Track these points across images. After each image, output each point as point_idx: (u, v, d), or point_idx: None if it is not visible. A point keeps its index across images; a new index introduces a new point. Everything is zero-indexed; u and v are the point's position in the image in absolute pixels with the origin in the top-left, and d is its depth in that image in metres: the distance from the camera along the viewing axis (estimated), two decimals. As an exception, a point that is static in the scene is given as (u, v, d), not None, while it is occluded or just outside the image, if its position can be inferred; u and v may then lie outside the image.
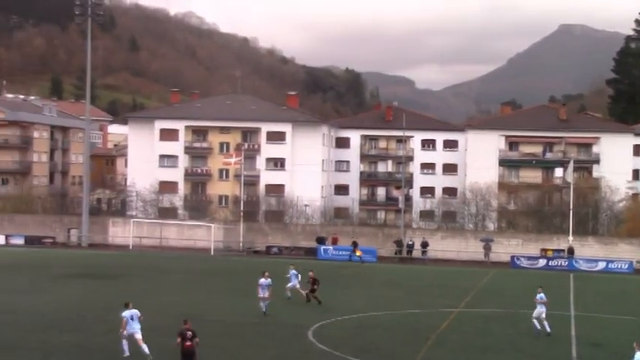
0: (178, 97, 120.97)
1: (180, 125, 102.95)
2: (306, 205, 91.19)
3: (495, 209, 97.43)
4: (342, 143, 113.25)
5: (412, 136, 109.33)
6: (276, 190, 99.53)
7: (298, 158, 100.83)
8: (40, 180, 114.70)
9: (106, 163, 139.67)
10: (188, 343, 28.00)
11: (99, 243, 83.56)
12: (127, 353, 30.98)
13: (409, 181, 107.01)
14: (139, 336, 30.88)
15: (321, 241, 79.10)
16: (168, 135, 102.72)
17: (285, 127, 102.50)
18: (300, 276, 47.48)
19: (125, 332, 31.02)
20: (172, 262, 68.99)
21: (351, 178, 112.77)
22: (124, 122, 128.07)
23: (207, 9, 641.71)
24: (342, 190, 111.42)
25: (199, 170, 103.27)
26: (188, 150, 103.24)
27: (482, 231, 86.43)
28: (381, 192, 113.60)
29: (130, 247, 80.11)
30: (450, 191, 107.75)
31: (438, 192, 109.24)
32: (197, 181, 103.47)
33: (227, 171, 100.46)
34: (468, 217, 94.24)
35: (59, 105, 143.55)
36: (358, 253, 75.75)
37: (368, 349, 34.24)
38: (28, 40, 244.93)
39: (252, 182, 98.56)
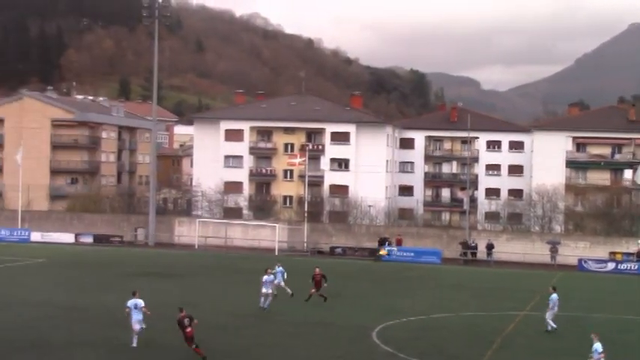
0: (243, 98, 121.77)
1: (245, 126, 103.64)
2: (370, 206, 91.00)
3: (562, 211, 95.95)
4: (407, 144, 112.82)
5: (477, 137, 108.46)
6: (341, 190, 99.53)
7: (362, 159, 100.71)
8: (108, 180, 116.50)
9: (172, 164, 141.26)
10: (188, 329, 30.55)
11: (165, 242, 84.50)
12: (134, 344, 32.12)
13: (474, 183, 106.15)
14: (136, 326, 32.21)
15: (383, 242, 78.83)
16: (233, 135, 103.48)
17: (350, 128, 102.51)
18: (285, 274, 46.79)
19: (133, 321, 32.32)
20: (237, 262, 69.47)
21: (416, 179, 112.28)
22: (190, 123, 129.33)
23: (272, 10, 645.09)
24: (406, 191, 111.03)
25: (264, 170, 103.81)
26: (253, 150, 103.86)
27: (549, 233, 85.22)
28: (445, 193, 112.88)
29: (196, 247, 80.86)
30: (515, 193, 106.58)
31: (504, 193, 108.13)
32: (262, 181, 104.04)
33: (291, 171, 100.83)
34: (534, 219, 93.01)
35: (127, 106, 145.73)
36: (382, 252, 76.21)
37: (432, 351, 34.04)
38: (97, 41, 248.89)
39: (316, 183, 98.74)
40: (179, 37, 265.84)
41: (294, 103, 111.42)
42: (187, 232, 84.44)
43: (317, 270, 46.07)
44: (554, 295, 39.08)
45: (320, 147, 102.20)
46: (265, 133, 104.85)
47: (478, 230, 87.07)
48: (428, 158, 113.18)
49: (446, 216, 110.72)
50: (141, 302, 32.84)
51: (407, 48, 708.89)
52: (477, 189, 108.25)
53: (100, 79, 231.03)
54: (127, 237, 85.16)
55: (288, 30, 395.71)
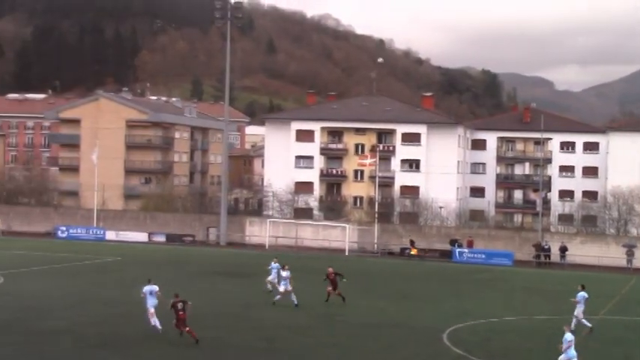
0: (314, 99, 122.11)
1: (316, 126, 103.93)
2: (440, 207, 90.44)
3: (639, 214, 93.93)
4: (478, 145, 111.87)
5: (551, 138, 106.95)
6: (411, 191, 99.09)
7: (433, 160, 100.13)
8: (180, 179, 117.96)
9: (244, 164, 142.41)
10: (181, 313, 32.61)
11: (236, 242, 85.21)
12: (159, 327, 33.91)
13: (547, 184, 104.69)
14: (152, 310, 34.28)
15: (454, 243, 78.29)
16: (304, 136, 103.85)
17: (421, 129, 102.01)
18: (281, 270, 45.96)
19: (148, 307, 34.48)
20: (308, 262, 69.60)
21: (487, 181, 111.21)
22: (261, 123, 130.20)
23: (344, 11, 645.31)
24: (477, 192, 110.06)
25: (334, 171, 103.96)
26: (324, 151, 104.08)
27: (625, 236, 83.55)
28: (517, 195, 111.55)
29: (266, 247, 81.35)
30: (590, 195, 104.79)
31: (578, 195, 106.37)
32: (332, 181, 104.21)
33: (362, 172, 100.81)
34: (610, 221, 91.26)
35: (199, 106, 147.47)
36: (413, 252, 76.85)
37: (503, 354, 33.68)
38: (170, 43, 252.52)
39: (387, 183, 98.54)
40: (251, 39, 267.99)
41: (365, 103, 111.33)
42: (258, 232, 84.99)
43: (330, 270, 45.35)
44: (582, 293, 39.22)
45: (391, 148, 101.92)
46: (336, 134, 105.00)
47: (551, 232, 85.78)
48: (500, 159, 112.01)
49: (518, 218, 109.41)
50: (156, 288, 35.13)
51: (479, 48, 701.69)
52: (550, 191, 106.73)
53: (173, 80, 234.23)
54: (199, 236, 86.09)
55: (360, 30, 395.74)
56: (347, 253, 78.48)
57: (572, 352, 27.48)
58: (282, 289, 43.39)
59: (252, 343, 33.41)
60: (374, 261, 74.23)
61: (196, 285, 52.36)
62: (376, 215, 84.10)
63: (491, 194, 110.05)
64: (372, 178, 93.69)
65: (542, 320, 43.06)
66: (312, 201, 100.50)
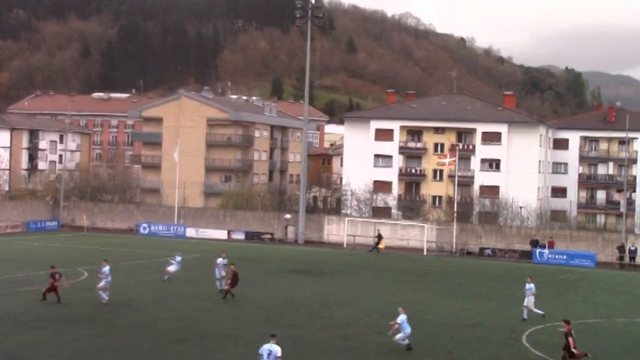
0: (394, 98, 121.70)
1: (395, 125, 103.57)
2: (521, 207, 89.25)
3: None
4: (560, 144, 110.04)
5: (636, 138, 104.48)
6: (491, 191, 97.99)
7: (514, 159, 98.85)
8: (259, 178, 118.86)
9: (323, 162, 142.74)
10: (56, 283, 39.57)
11: (314, 240, 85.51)
12: (105, 299, 40.36)
13: (632, 185, 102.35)
14: (102, 284, 40.67)
15: (535, 244, 77.19)
16: (383, 135, 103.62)
17: (501, 128, 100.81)
18: (221, 269, 47.22)
19: (101, 284, 40.62)
20: (386, 261, 69.52)
21: (569, 181, 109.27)
22: (341, 122, 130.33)
23: (424, 10, 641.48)
24: (559, 192, 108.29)
25: (413, 170, 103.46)
26: (402, 150, 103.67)
27: None
28: (600, 195, 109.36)
29: (344, 245, 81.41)
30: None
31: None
32: (411, 181, 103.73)
33: (441, 171, 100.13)
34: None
35: (279, 105, 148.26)
36: (382, 246, 76.76)
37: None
38: (251, 43, 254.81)
39: (466, 183, 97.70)
40: (331, 38, 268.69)
41: (445, 102, 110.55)
42: (336, 231, 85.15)
43: (232, 267, 44.89)
44: (530, 285, 41.04)
45: (470, 147, 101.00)
46: (415, 133, 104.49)
47: (635, 234, 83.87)
48: (583, 159, 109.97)
49: (601, 219, 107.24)
50: (107, 269, 40.84)
51: (562, 47, 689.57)
52: (634, 191, 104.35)
53: (254, 79, 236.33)
54: (278, 234, 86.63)
55: (440, 29, 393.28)
56: (425, 253, 78.07)
57: None
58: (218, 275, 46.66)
59: (329, 341, 33.48)
60: (452, 261, 73.66)
61: (275, 282, 52.74)
62: (455, 215, 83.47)
63: (574, 194, 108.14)
64: (452, 177, 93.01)
65: (627, 323, 42.16)
66: (391, 200, 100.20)
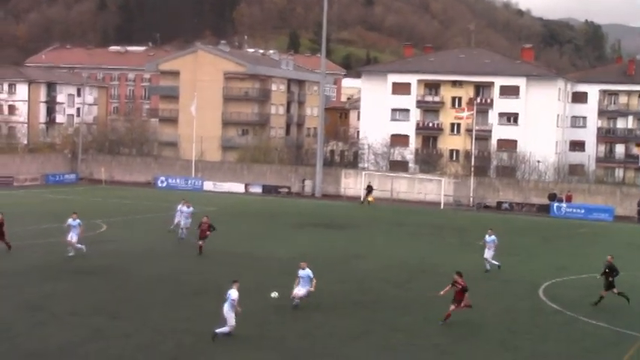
0: (412, 51, 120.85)
1: (412, 79, 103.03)
2: (538, 161, 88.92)
3: None
4: (579, 98, 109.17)
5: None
6: (508, 145, 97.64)
7: (532, 113, 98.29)
8: (276, 131, 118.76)
9: (340, 116, 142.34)
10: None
11: (331, 194, 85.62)
12: (71, 253, 40.06)
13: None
14: (74, 239, 39.98)
15: (553, 198, 77.02)
16: (400, 89, 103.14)
17: (519, 82, 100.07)
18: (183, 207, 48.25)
19: (68, 238, 40.01)
20: (403, 215, 69.62)
21: (588, 135, 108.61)
22: (358, 76, 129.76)
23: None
24: (577, 146, 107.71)
25: (431, 124, 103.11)
26: (420, 104, 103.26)
27: None
28: (619, 149, 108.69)
29: (362, 199, 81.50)
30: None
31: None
32: (428, 135, 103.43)
33: (458, 125, 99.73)
34: None
35: (296, 59, 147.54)
36: (370, 199, 76.68)
37: (600, 311, 33.00)
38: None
39: (483, 137, 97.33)
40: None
41: (463, 56, 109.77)
42: (353, 185, 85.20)
43: (205, 219, 43.05)
44: (491, 237, 41.01)
45: (488, 101, 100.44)
46: (433, 87, 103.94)
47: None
48: (601, 113, 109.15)
49: (619, 173, 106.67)
50: (78, 222, 40.17)
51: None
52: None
53: (271, 32, 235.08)
54: (295, 188, 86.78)
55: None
56: (442, 207, 78.08)
57: None
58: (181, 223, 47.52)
59: (346, 294, 33.68)
60: (470, 215, 73.66)
61: (292, 236, 52.97)
62: (472, 169, 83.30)
63: (592, 148, 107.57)
64: (469, 131, 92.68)
65: (642, 277, 42.17)
66: (408, 154, 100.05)
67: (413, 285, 36.79)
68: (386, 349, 25.57)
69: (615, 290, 33.54)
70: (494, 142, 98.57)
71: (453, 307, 29.39)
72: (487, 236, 41.30)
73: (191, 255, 42.18)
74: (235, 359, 23.60)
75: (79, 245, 40.23)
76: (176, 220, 48.87)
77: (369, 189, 79.13)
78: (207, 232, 42.51)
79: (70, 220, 40.33)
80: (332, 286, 35.16)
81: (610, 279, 33.61)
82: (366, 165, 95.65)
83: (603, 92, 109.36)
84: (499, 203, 78.98)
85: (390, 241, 52.12)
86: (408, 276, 39.12)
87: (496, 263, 41.05)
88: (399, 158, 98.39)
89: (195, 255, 42.12)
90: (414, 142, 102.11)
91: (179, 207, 48.75)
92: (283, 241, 49.61)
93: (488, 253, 41.12)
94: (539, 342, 27.41)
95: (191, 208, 48.01)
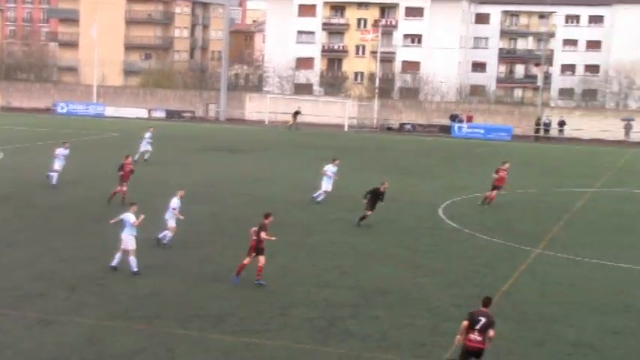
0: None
1: (318, 1, 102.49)
2: (441, 82, 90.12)
3: (639, 87, 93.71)
4: (482, 19, 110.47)
5: (555, 12, 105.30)
6: (412, 67, 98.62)
7: (436, 35, 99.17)
8: (180, 55, 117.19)
9: (245, 39, 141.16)
10: None
11: (236, 118, 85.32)
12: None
13: (549, 59, 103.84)
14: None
15: (454, 118, 78.38)
16: (306, 11, 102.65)
17: (424, 3, 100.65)
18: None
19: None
20: (307, 138, 69.92)
21: (489, 55, 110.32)
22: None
23: None
24: (479, 67, 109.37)
25: (336, 46, 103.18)
26: (325, 26, 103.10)
27: (624, 110, 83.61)
28: (519, 69, 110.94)
29: (266, 122, 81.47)
30: (592, 69, 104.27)
31: (580, 70, 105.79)
32: (333, 57, 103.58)
33: (364, 47, 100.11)
34: (610, 95, 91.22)
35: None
36: (290, 122, 76.54)
37: (497, 227, 34.13)
38: None
39: (388, 59, 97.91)
40: None
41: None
42: (258, 108, 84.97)
43: (129, 159, 37.18)
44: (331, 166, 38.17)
45: (393, 22, 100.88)
46: (339, 9, 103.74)
47: (551, 107, 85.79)
48: (503, 34, 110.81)
49: (519, 93, 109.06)
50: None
51: None
52: (551, 65, 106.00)
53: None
54: (199, 112, 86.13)
55: None
56: (346, 129, 78.69)
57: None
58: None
59: (250, 217, 33.83)
60: (373, 136, 74.48)
61: (195, 160, 52.75)
62: (376, 91, 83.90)
63: (493, 69, 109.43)
64: (374, 53, 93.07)
65: (539, 194, 43.60)
66: (313, 76, 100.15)
67: (316, 207, 37.11)
68: (289, 272, 25.92)
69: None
70: (398, 63, 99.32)
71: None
72: (331, 166, 38.22)
73: (93, 184, 41.64)
74: (135, 286, 23.62)
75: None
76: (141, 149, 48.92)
77: (297, 113, 78.74)
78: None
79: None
80: (236, 210, 35.34)
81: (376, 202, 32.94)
82: (270, 89, 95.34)
83: (505, 13, 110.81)
84: (402, 125, 79.98)
85: (294, 165, 52.42)
86: (305, 198, 39.33)
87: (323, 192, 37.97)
88: (303, 81, 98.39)
89: (94, 181, 41.60)
90: (319, 65, 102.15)
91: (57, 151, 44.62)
92: (186, 166, 49.37)
93: (328, 184, 37.86)
94: (439, 260, 28.14)
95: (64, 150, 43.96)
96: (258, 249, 23.96)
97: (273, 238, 24.28)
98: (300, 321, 20.90)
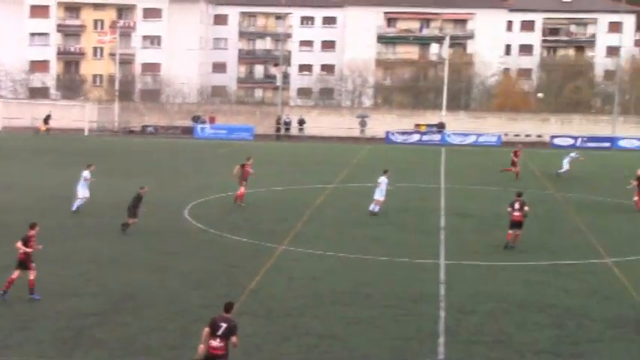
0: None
1: (51, 1, 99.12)
2: (183, 84, 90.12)
3: (372, 86, 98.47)
4: (220, 20, 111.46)
5: (291, 13, 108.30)
6: (153, 68, 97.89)
7: (175, 36, 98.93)
8: None
9: None
10: None
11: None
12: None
13: (287, 59, 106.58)
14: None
15: (197, 119, 78.67)
16: (38, 12, 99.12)
17: (162, 4, 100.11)
18: None
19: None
20: (44, 143, 67.51)
21: (230, 56, 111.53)
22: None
23: None
24: (219, 68, 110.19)
25: (72, 49, 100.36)
26: (60, 28, 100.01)
27: (359, 107, 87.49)
28: (259, 70, 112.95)
29: (0, 129, 77.78)
30: (328, 68, 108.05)
31: (316, 69, 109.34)
32: (70, 59, 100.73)
33: (102, 49, 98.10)
34: (345, 93, 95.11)
35: None
36: (43, 129, 74.68)
37: (243, 226, 34.54)
38: None
39: (127, 61, 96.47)
40: None
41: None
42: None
43: None
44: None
45: (131, 24, 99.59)
46: (74, 10, 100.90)
47: (291, 106, 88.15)
48: (242, 35, 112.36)
49: (259, 93, 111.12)
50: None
51: None
52: (289, 65, 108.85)
53: None
54: None
55: None
56: (86, 133, 76.73)
57: None
58: None
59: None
60: (115, 140, 73.17)
61: None
62: (117, 93, 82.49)
63: (234, 70, 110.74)
64: (112, 55, 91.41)
65: (281, 192, 44.62)
66: (49, 80, 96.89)
67: (55, 214, 35.82)
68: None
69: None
70: (138, 65, 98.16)
71: None
72: (86, 172, 36.88)
73: None
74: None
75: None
76: None
77: (47, 117, 75.33)
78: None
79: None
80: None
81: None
82: (3, 93, 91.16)
83: (243, 14, 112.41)
84: (144, 127, 79.18)
85: (32, 171, 50.40)
86: (48, 205, 37.97)
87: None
88: (39, 85, 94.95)
89: None
90: (55, 68, 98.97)
91: None
92: None
93: (85, 191, 36.53)
94: (185, 261, 28.05)
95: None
96: (21, 262, 22.96)
97: (30, 250, 23.17)
98: (43, 333, 20.13)
